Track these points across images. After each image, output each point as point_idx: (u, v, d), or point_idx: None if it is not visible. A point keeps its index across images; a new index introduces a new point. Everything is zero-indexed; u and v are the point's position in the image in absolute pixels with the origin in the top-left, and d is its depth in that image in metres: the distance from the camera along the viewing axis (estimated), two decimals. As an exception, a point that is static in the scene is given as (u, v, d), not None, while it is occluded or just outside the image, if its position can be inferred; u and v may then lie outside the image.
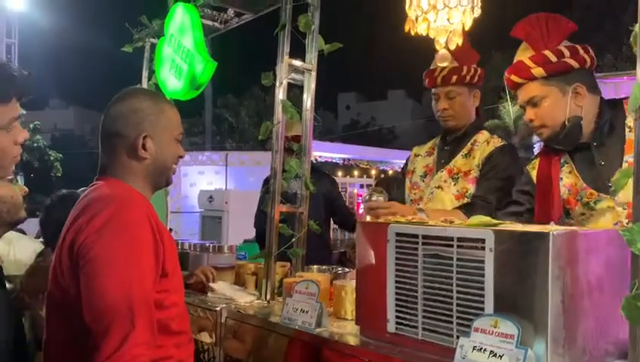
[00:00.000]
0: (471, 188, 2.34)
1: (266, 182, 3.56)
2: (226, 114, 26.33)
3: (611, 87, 6.07)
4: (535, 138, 7.07)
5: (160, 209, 2.53)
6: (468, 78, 2.38)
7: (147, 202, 1.50)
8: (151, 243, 1.38)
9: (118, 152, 1.51)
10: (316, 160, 11.20)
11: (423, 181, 2.51)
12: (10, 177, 1.57)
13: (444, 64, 2.25)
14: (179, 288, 1.52)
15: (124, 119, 1.50)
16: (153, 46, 3.43)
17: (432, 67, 2.47)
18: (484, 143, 2.38)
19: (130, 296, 1.29)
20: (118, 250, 1.33)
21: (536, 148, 7.08)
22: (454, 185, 2.37)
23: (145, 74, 3.54)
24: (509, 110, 19.89)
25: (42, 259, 1.82)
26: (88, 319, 1.29)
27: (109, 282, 1.30)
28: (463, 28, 1.96)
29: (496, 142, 2.38)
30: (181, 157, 1.60)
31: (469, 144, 2.42)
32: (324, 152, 11.93)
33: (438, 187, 2.41)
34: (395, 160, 13.21)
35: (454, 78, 2.36)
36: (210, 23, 3.22)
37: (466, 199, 2.33)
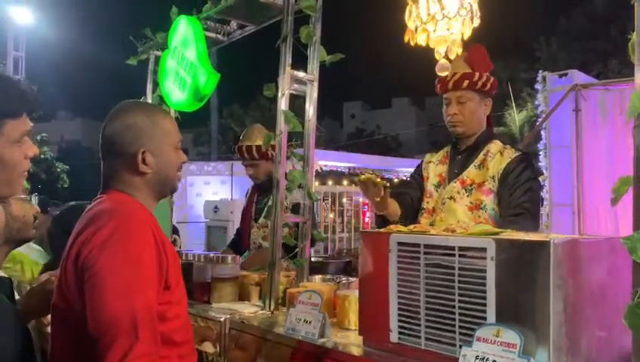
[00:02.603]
0: (485, 200, 2.31)
1: (259, 191, 3.59)
2: (232, 123, 26.42)
3: (616, 93, 6.03)
4: (540, 145, 7.04)
5: (164, 220, 2.54)
6: (480, 84, 2.37)
7: (150, 215, 1.51)
8: (154, 256, 1.39)
9: (120, 169, 1.52)
10: (321, 169, 11.20)
11: (437, 191, 2.49)
12: (23, 196, 1.59)
13: (444, 74, 2.25)
14: (182, 300, 1.53)
15: (120, 137, 1.51)
16: (157, 58, 3.46)
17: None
18: (498, 154, 2.35)
19: (134, 308, 1.30)
20: (122, 262, 1.34)
21: (542, 155, 7.06)
22: (467, 196, 2.35)
23: (149, 86, 3.57)
24: (515, 118, 19.88)
25: (41, 283, 1.84)
26: (93, 331, 1.30)
27: (113, 294, 1.31)
28: (462, 37, 1.97)
29: (511, 152, 2.35)
30: (183, 162, 1.61)
31: (481, 155, 2.39)
32: (329, 161, 11.92)
33: (451, 198, 2.39)
34: (399, 168, 13.18)
35: (466, 82, 2.35)
36: (213, 35, 3.25)
37: (480, 211, 2.31)
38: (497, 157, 2.35)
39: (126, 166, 1.51)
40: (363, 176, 2.29)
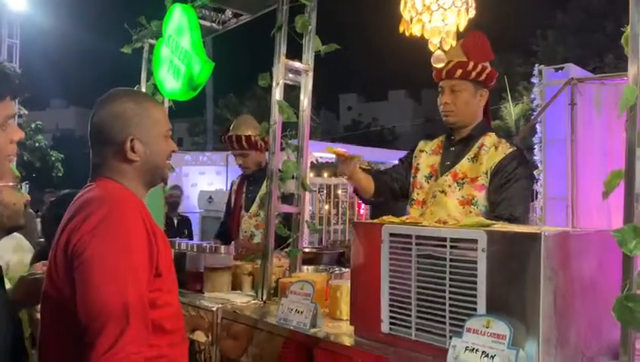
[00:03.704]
0: (477, 195, 2.27)
1: (248, 181, 3.60)
2: (228, 114, 26.30)
3: (612, 88, 6.03)
4: (535, 138, 7.06)
5: (157, 209, 2.54)
6: (474, 74, 2.30)
7: (141, 202, 1.51)
8: (144, 243, 1.39)
9: (109, 157, 1.51)
10: (317, 160, 11.19)
11: (428, 182, 2.44)
12: (11, 183, 1.57)
13: (439, 65, 2.22)
14: (173, 288, 1.53)
15: (109, 125, 1.50)
16: (152, 47, 3.44)
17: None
18: (492, 148, 2.30)
19: (125, 295, 1.30)
20: (112, 249, 1.34)
21: (537, 148, 7.07)
22: (459, 190, 2.30)
23: (144, 75, 3.54)
24: (511, 111, 19.88)
25: (31, 273, 1.83)
26: (83, 317, 1.30)
27: (104, 281, 1.31)
28: (458, 29, 1.97)
29: (505, 147, 2.29)
30: (173, 151, 1.60)
31: (475, 147, 2.34)
32: (324, 153, 11.93)
33: (442, 191, 2.34)
34: (395, 160, 13.18)
35: (459, 72, 2.29)
36: (208, 23, 3.23)
37: (472, 206, 2.27)
38: (491, 151, 2.29)
39: (115, 154, 1.50)
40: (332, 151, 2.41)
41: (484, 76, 2.34)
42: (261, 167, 3.48)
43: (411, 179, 2.55)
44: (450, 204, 2.31)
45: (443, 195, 2.34)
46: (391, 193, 2.60)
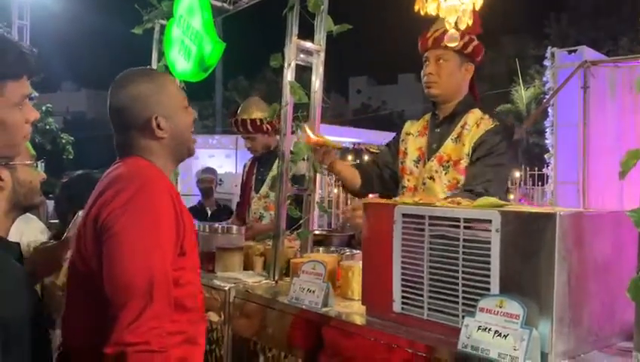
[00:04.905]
0: (462, 179, 2.22)
1: (259, 163, 3.60)
2: (237, 97, 26.28)
3: (626, 71, 5.96)
4: (547, 122, 6.99)
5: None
6: (461, 44, 2.23)
7: (169, 182, 1.53)
8: (172, 220, 1.41)
9: (136, 137, 1.53)
10: (326, 144, 11.14)
11: (417, 167, 2.39)
12: (28, 162, 1.59)
13: (453, 45, 2.19)
14: (195, 267, 1.55)
15: (129, 108, 1.52)
16: (163, 27, 3.42)
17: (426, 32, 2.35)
18: (474, 126, 2.23)
19: (151, 271, 1.33)
20: (142, 225, 1.36)
21: (548, 132, 7.01)
22: (445, 174, 2.26)
23: (155, 56, 3.53)
24: (522, 95, 19.66)
25: (42, 242, 1.86)
26: (109, 290, 1.32)
27: (131, 256, 1.33)
28: (474, 7, 1.94)
29: (487, 123, 2.22)
30: (195, 119, 1.63)
31: (458, 126, 2.28)
32: (334, 136, 11.89)
33: (430, 178, 2.30)
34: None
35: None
36: (219, 3, 3.22)
37: (457, 190, 2.21)
38: (473, 129, 2.23)
39: (141, 133, 1.53)
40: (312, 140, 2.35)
41: (470, 48, 2.28)
42: (270, 150, 3.49)
43: (400, 165, 2.49)
44: (439, 190, 2.26)
45: (432, 182, 2.30)
46: (381, 183, 2.56)
